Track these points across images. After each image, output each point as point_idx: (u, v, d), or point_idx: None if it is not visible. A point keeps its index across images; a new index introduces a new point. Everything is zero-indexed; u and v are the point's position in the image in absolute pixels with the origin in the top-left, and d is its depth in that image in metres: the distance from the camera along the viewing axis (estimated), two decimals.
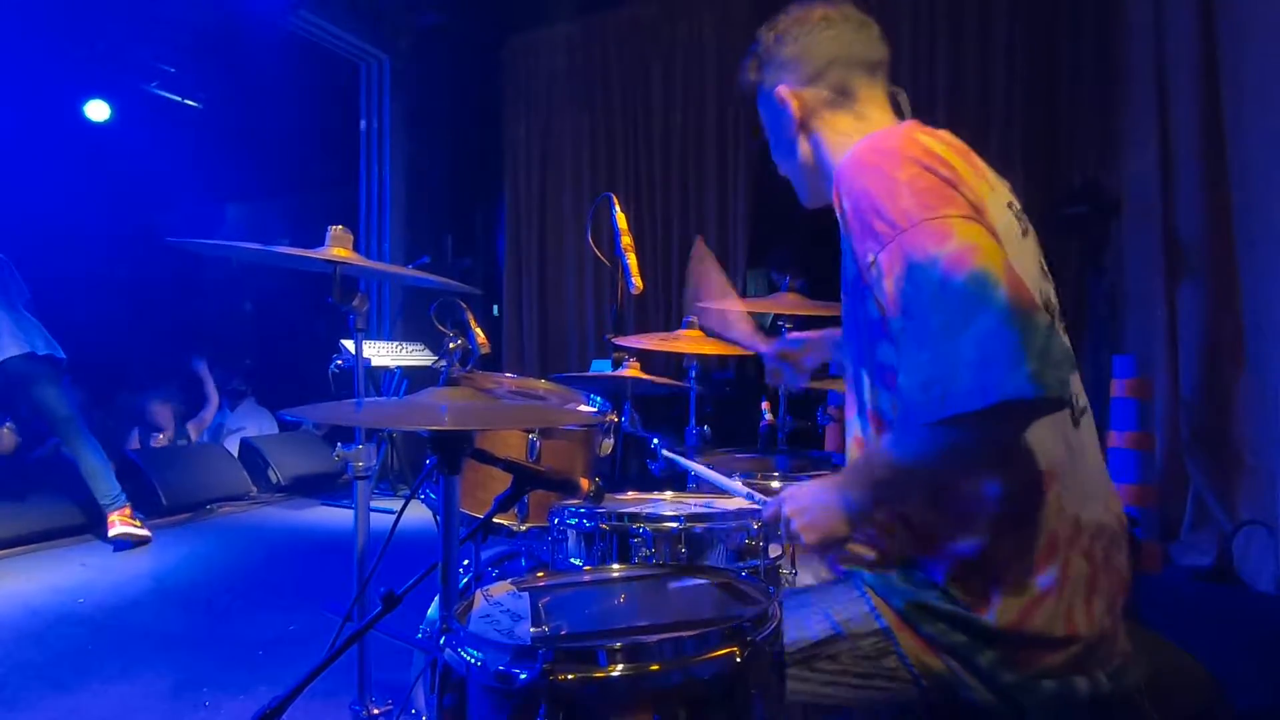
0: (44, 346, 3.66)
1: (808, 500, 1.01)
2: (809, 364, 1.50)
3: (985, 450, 0.89)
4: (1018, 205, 1.01)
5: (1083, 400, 1.00)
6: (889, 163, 0.91)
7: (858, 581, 1.03)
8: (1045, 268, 1.02)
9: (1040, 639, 0.91)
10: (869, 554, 1.03)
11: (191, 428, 5.73)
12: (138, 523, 3.82)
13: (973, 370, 0.78)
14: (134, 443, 5.42)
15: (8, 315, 3.62)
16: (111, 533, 3.70)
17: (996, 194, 0.97)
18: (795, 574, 1.23)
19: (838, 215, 0.97)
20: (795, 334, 1.53)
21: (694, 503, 1.43)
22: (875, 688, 0.97)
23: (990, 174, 1.00)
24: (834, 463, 1.67)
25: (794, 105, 1.12)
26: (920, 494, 0.98)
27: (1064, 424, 0.96)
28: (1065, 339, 0.91)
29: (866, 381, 1.01)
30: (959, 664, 0.94)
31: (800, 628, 0.99)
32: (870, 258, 0.89)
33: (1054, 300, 1.01)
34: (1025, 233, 1.00)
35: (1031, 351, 0.76)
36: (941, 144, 0.95)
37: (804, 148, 1.14)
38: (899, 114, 1.13)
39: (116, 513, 3.72)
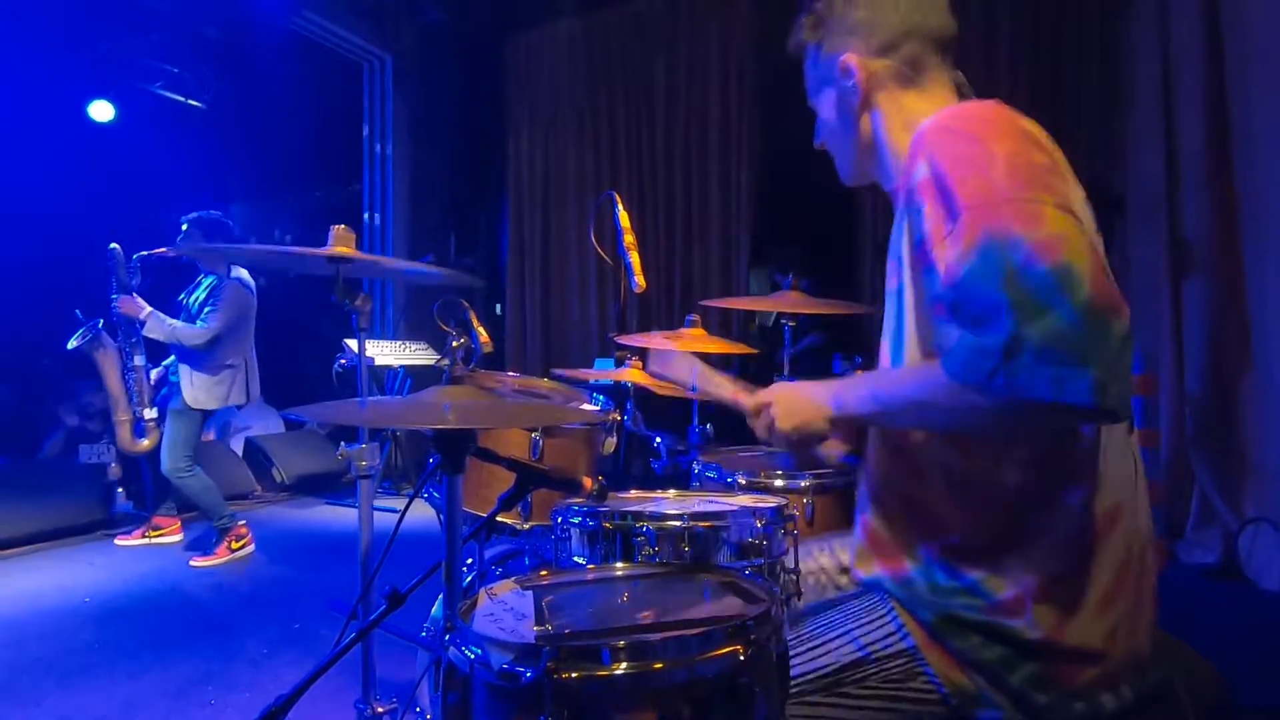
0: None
1: (793, 391, 0.98)
2: None
3: (1008, 432, 0.85)
4: (1089, 203, 0.96)
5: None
6: (985, 132, 0.85)
7: (882, 595, 0.99)
8: (1108, 269, 0.97)
9: (1078, 652, 0.87)
10: (840, 450, 0.99)
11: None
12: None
13: (1037, 360, 0.72)
14: None
15: (253, 357, 3.75)
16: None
17: (1078, 189, 0.92)
18: (797, 572, 1.23)
19: (899, 188, 0.90)
20: None
21: (697, 501, 1.43)
22: (903, 711, 0.93)
23: (1069, 167, 0.94)
24: (838, 460, 1.67)
25: (861, 77, 1.03)
26: (914, 425, 0.93)
27: (1125, 431, 0.93)
28: None
29: (912, 360, 0.95)
30: (989, 683, 0.90)
31: (825, 652, 0.95)
32: (948, 226, 0.82)
33: None
34: (1097, 231, 0.95)
35: (1101, 360, 0.71)
36: (1034, 127, 0.89)
37: (864, 123, 1.06)
38: (962, 100, 1.06)
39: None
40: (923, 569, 0.95)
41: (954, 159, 0.83)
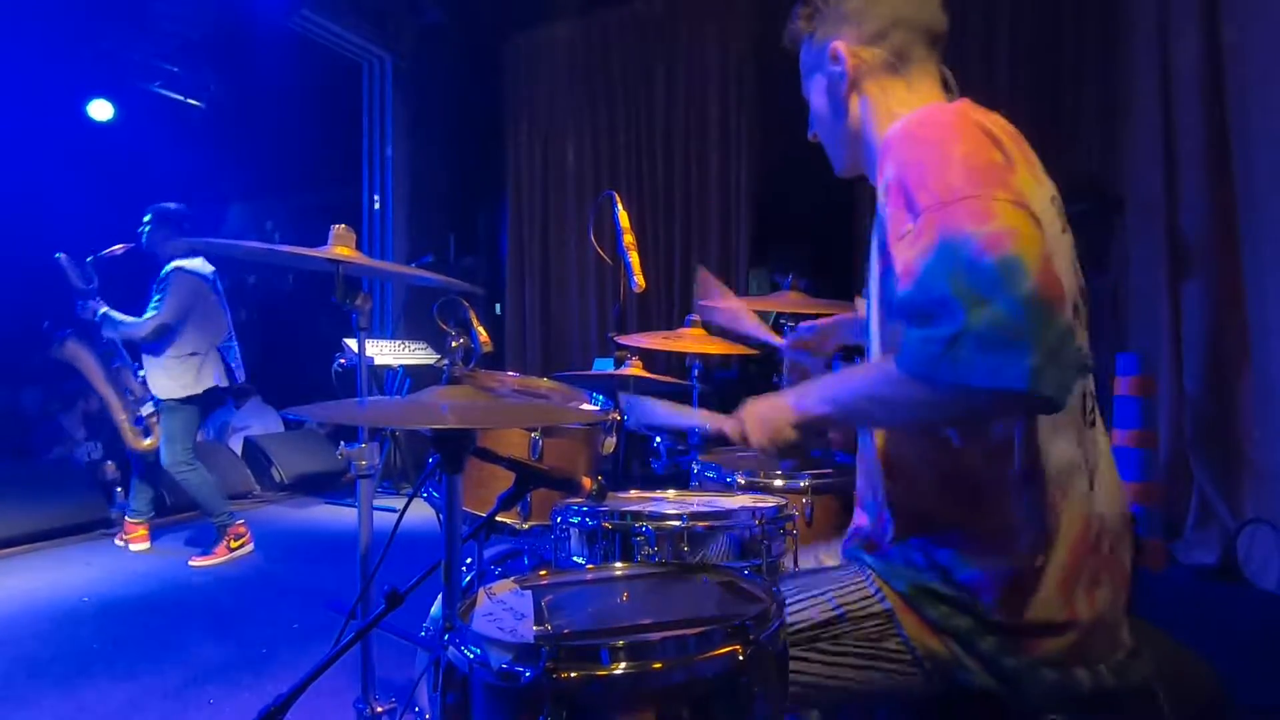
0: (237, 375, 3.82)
1: (759, 405, 1.04)
2: (829, 348, 1.50)
3: (957, 421, 0.91)
4: (1060, 201, 0.98)
5: (1093, 400, 1.00)
6: (946, 135, 0.87)
7: (861, 565, 1.05)
8: (1077, 267, 0.99)
9: (1040, 626, 0.93)
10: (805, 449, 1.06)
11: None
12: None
13: (977, 348, 0.75)
14: None
15: (226, 343, 3.75)
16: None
17: (1043, 187, 0.95)
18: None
19: (878, 185, 0.92)
20: (806, 323, 1.52)
21: (696, 501, 1.43)
22: (877, 669, 0.98)
23: (1038, 165, 0.97)
24: (837, 461, 1.67)
25: (850, 64, 1.06)
26: (875, 424, 1.01)
27: (1078, 422, 0.96)
28: (1083, 344, 0.91)
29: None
30: (961, 647, 0.96)
31: (802, 609, 0.99)
32: (906, 228, 0.85)
33: (1081, 302, 0.98)
34: (1064, 229, 0.98)
35: (1041, 347, 0.73)
36: (997, 126, 0.92)
37: (853, 110, 1.08)
38: (948, 94, 1.09)
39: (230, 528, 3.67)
40: (900, 549, 1.01)
41: (915, 163, 0.86)
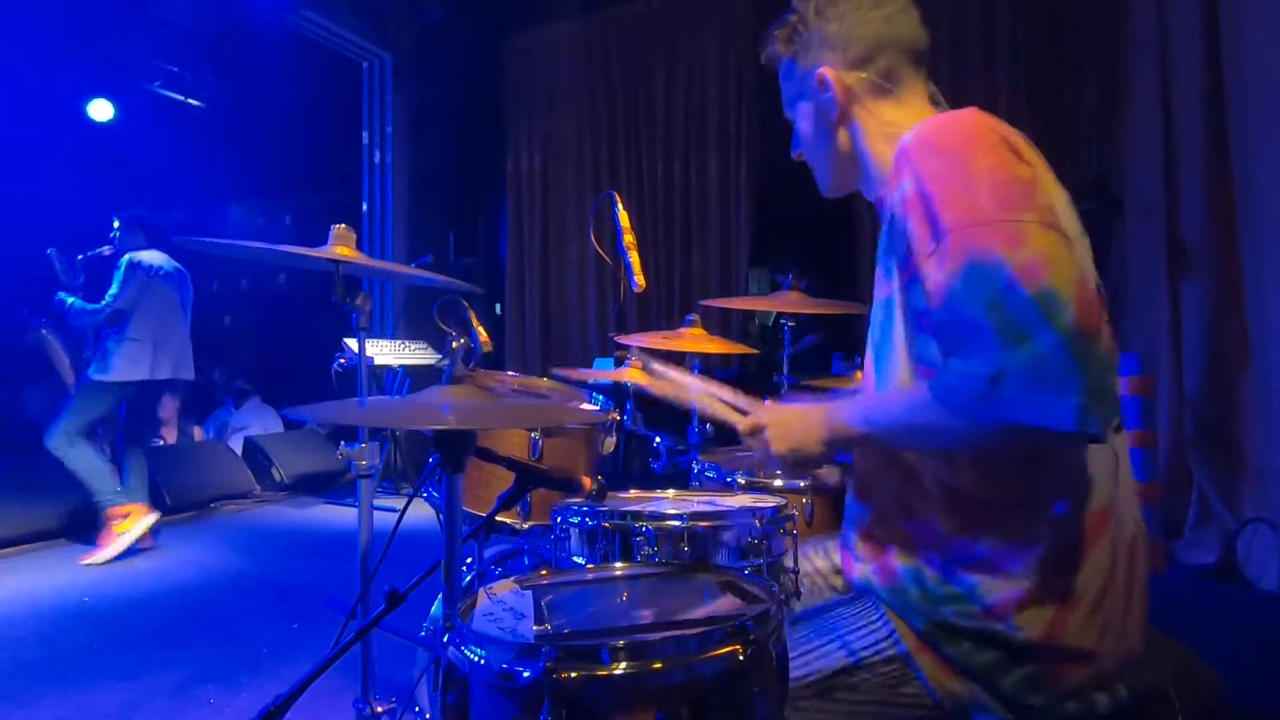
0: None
1: (789, 415, 1.00)
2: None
3: (1001, 453, 0.87)
4: (1072, 202, 0.97)
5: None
6: (966, 148, 0.85)
7: (874, 601, 1.00)
8: (1093, 266, 0.96)
9: (1071, 652, 0.88)
10: (832, 477, 1.02)
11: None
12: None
13: (1021, 386, 0.75)
14: None
15: (174, 336, 3.86)
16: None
17: (1063, 192, 0.93)
18: (796, 572, 1.23)
19: (882, 198, 0.90)
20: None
21: (696, 501, 1.43)
22: (895, 716, 0.94)
23: (1049, 170, 0.94)
24: (836, 460, 1.67)
25: (838, 90, 1.04)
26: (911, 448, 0.95)
27: (1112, 435, 0.93)
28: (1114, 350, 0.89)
29: (899, 368, 0.95)
30: (981, 687, 0.91)
31: (818, 658, 0.96)
32: (932, 245, 0.83)
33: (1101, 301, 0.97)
34: (1083, 232, 0.96)
35: (1084, 384, 0.73)
36: (1014, 132, 0.89)
37: (842, 136, 1.07)
38: (937, 109, 1.08)
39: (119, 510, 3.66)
40: (914, 573, 0.95)
41: (937, 177, 0.84)
